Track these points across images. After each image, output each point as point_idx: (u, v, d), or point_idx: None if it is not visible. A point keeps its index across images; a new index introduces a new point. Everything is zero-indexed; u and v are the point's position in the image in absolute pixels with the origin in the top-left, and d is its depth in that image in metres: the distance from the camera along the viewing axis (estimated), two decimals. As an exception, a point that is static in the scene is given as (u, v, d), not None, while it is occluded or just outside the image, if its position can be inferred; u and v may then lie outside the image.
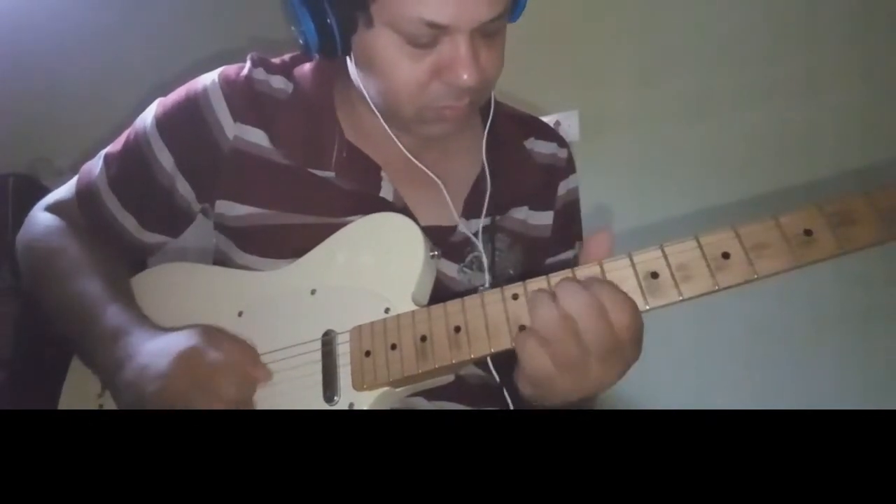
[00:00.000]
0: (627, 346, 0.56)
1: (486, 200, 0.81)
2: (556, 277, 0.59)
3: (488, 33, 0.69)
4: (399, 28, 0.67)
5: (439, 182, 0.79)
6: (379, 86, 0.72)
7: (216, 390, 0.65)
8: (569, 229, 0.92)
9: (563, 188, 0.91)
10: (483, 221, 0.81)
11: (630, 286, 0.56)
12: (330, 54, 0.72)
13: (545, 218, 0.88)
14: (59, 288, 0.78)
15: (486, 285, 0.77)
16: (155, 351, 0.67)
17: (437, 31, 0.66)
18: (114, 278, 0.79)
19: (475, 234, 0.80)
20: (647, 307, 0.56)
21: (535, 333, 0.56)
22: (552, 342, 0.55)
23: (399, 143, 0.78)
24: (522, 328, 0.58)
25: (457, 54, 0.67)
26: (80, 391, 0.80)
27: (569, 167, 0.92)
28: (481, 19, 0.66)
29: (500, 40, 0.72)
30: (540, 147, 0.90)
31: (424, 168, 0.78)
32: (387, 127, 0.77)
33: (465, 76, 0.67)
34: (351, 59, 0.75)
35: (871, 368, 1.52)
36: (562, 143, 0.93)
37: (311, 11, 0.70)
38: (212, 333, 0.70)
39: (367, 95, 0.75)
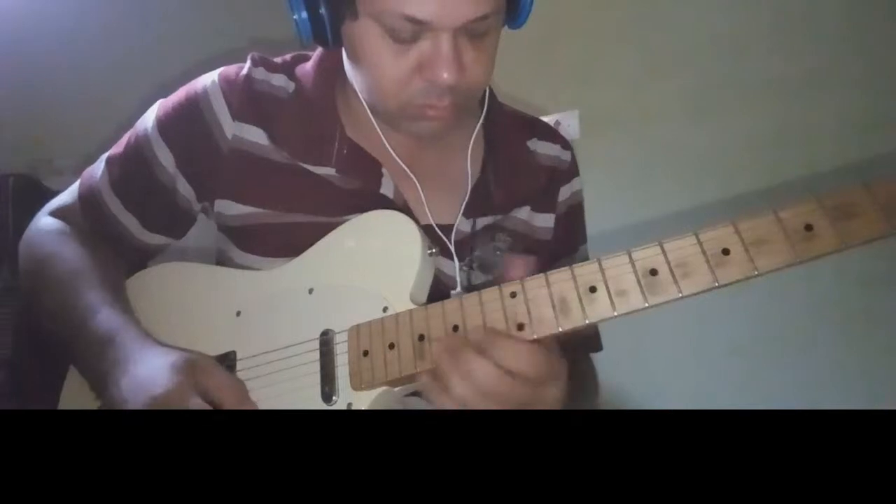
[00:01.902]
0: (542, 386, 0.59)
1: (465, 200, 0.81)
2: (553, 276, 0.59)
3: (475, 34, 0.68)
4: (381, 21, 0.66)
5: (416, 181, 0.79)
6: (365, 79, 0.73)
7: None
8: (571, 234, 0.91)
9: (566, 191, 0.90)
10: (466, 221, 0.81)
11: (629, 283, 0.56)
12: (324, 44, 0.72)
13: (546, 220, 0.88)
14: (53, 291, 0.78)
15: (458, 289, 0.77)
16: (134, 386, 0.64)
17: (419, 27, 0.66)
18: (109, 282, 0.78)
19: (470, 234, 0.80)
20: (647, 304, 0.56)
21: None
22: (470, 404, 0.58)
23: (384, 139, 0.78)
24: (521, 327, 0.58)
25: (438, 52, 0.66)
26: (82, 391, 0.79)
27: (572, 170, 0.91)
28: (465, 18, 0.65)
29: (490, 43, 0.71)
30: (544, 148, 0.90)
31: (404, 165, 0.78)
32: (374, 121, 0.77)
33: (445, 74, 0.67)
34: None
35: (871, 368, 1.52)
36: (566, 145, 0.92)
37: (305, 0, 0.70)
38: (196, 369, 0.66)
39: (357, 89, 0.75)
